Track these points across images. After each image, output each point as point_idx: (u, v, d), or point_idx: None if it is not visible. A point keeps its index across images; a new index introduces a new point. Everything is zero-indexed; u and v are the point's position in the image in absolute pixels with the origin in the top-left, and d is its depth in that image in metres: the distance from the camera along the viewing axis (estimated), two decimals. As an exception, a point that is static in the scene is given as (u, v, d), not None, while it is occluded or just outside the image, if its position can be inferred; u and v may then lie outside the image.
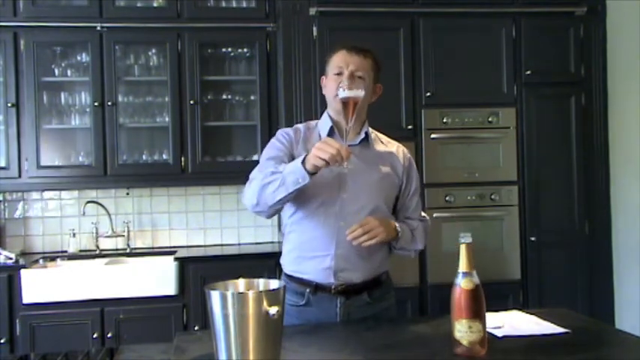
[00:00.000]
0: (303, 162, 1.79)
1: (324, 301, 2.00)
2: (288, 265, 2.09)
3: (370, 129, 2.12)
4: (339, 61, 2.01)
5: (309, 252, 2.00)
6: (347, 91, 1.83)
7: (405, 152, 2.16)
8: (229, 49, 3.85)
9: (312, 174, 1.79)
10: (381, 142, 2.15)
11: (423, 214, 2.19)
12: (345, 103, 1.84)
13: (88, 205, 3.74)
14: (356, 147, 2.04)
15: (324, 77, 2.10)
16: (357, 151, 2.03)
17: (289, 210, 2.05)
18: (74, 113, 3.71)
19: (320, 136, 2.05)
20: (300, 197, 1.97)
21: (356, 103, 1.83)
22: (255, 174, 1.99)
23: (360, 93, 1.84)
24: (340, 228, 1.95)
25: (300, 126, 2.13)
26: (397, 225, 2.00)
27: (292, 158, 1.98)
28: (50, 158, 3.65)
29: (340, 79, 1.97)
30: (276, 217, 3.98)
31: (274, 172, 1.89)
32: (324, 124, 2.09)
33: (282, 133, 2.10)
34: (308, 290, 2.00)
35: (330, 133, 2.05)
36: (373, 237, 1.89)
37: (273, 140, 2.10)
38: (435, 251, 3.43)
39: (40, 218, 3.87)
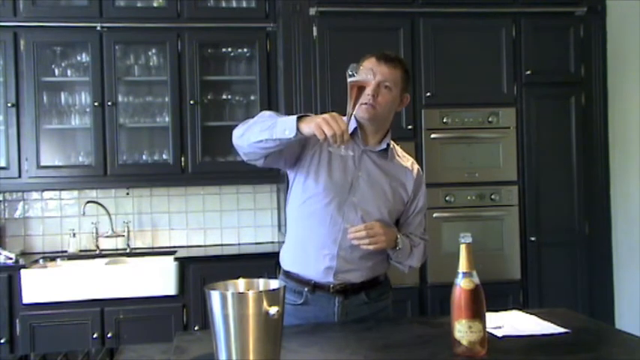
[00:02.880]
0: (300, 118, 1.74)
1: (323, 300, 2.00)
2: (287, 260, 2.08)
3: (392, 141, 2.09)
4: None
5: (312, 249, 2.00)
6: (355, 75, 1.77)
7: (419, 170, 2.14)
8: (229, 49, 3.85)
9: (300, 134, 1.73)
10: (398, 155, 2.12)
11: (424, 232, 2.17)
12: (351, 86, 1.79)
13: (88, 205, 3.74)
14: (374, 154, 2.03)
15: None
16: (375, 157, 2.03)
17: (299, 198, 2.02)
18: (74, 113, 3.71)
19: None
20: (312, 191, 1.98)
21: (360, 87, 1.79)
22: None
23: (370, 78, 1.80)
24: (345, 230, 1.96)
25: None
26: (399, 237, 2.00)
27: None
28: (50, 158, 3.65)
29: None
30: (275, 217, 4.00)
31: (271, 115, 1.88)
32: (350, 124, 1.97)
33: None
34: (306, 289, 2.01)
35: (353, 134, 2.00)
36: (374, 243, 1.90)
37: None
38: (435, 251, 3.43)
39: (40, 218, 3.87)
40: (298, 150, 1.99)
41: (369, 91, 1.89)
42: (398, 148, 2.15)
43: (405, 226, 2.11)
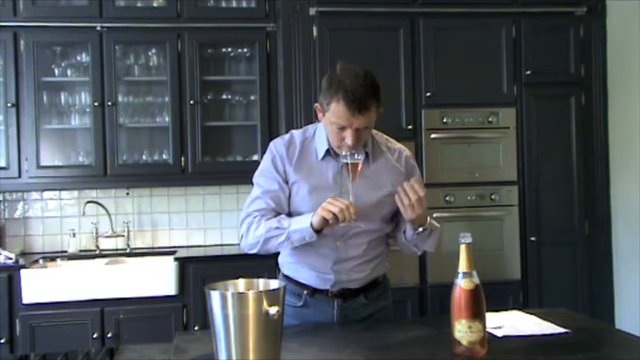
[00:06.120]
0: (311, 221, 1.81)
1: (322, 303, 2.01)
2: (285, 266, 2.10)
3: (372, 132, 2.00)
4: (342, 120, 1.83)
5: (307, 263, 2.00)
6: (349, 157, 1.81)
7: (407, 156, 2.06)
8: (229, 49, 3.85)
9: (318, 231, 1.82)
10: (382, 150, 2.02)
11: (433, 222, 2.05)
12: (344, 165, 1.85)
13: (88, 205, 3.74)
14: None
15: (318, 106, 1.92)
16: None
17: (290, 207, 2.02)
18: (74, 113, 3.71)
19: (317, 155, 1.98)
20: (297, 209, 1.97)
21: (356, 165, 1.82)
22: (252, 207, 2.01)
23: (361, 158, 1.83)
24: (338, 248, 1.95)
25: (296, 136, 2.02)
26: (429, 218, 1.93)
27: (286, 183, 1.97)
28: (50, 158, 3.65)
29: (342, 134, 1.85)
30: (276, 217, 3.99)
31: (278, 227, 1.90)
32: (321, 143, 1.98)
33: (276, 156, 1.99)
34: (305, 292, 2.02)
35: (326, 155, 1.97)
36: (411, 210, 1.82)
37: (268, 164, 2.00)
38: (435, 251, 3.41)
39: (40, 218, 3.86)
40: (288, 190, 2.00)
41: (348, 141, 1.84)
42: (380, 139, 2.05)
43: (404, 221, 2.00)
